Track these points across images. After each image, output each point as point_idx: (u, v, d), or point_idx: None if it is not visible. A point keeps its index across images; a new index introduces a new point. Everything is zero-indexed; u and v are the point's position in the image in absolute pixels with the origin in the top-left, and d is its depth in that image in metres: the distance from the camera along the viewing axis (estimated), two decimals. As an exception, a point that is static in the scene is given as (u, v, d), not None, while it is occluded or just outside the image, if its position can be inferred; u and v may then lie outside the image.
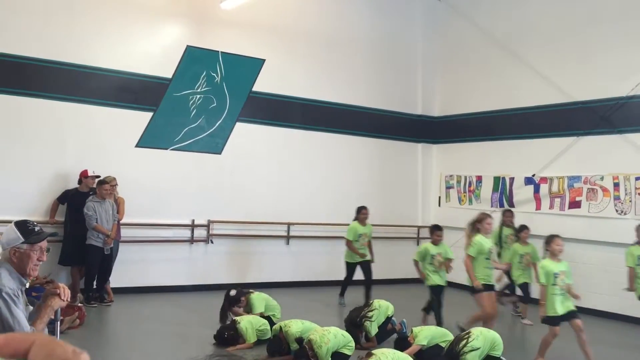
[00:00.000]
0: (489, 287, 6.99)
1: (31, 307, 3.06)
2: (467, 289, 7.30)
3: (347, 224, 11.56)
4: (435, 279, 8.03)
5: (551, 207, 10.42)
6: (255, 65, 10.75)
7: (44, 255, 3.07)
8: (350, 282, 9.72)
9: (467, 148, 12.15)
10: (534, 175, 10.72)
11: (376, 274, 11.79)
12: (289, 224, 11.00)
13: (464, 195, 12.20)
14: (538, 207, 10.64)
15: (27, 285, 3.11)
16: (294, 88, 11.15)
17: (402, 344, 6.59)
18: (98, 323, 7.55)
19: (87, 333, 6.81)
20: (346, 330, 6.35)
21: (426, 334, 6.47)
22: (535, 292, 7.94)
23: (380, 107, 12.15)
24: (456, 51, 12.50)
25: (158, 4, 9.90)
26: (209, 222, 10.25)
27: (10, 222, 3.16)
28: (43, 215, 8.72)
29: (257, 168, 10.73)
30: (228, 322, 6.89)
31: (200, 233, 10.26)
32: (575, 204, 9.96)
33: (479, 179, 11.87)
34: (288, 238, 11.07)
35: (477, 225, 7.09)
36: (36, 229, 3.07)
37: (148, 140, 9.80)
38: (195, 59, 10.16)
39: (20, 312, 2.84)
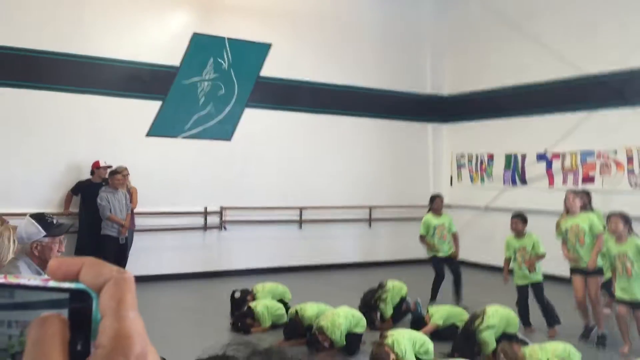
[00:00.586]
0: None
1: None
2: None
3: (361, 207, 11.63)
4: (435, 251, 8.10)
5: (564, 182, 10.34)
6: (262, 50, 10.72)
7: (62, 246, 3.11)
8: (439, 281, 8.26)
9: (478, 126, 12.07)
10: (545, 151, 10.64)
11: (389, 255, 11.89)
12: (301, 209, 11.03)
13: (476, 174, 12.14)
14: (551, 183, 10.57)
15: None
16: (302, 72, 11.10)
17: (418, 323, 6.62)
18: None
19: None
20: (361, 312, 6.37)
21: (442, 313, 6.50)
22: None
23: (390, 88, 12.08)
24: (465, 29, 12.36)
25: (163, -8, 9.87)
26: (222, 208, 10.30)
27: (24, 214, 3.19)
28: (57, 207, 8.81)
29: (267, 153, 10.73)
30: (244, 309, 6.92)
31: (213, 220, 10.32)
32: (588, 179, 9.88)
33: (491, 157, 11.79)
34: (300, 223, 11.10)
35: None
36: (55, 221, 3.10)
37: (158, 129, 9.83)
38: (202, 46, 10.14)
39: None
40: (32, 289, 0.41)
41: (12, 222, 3.48)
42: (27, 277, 0.42)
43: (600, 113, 9.78)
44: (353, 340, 5.96)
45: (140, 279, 9.11)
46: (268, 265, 10.37)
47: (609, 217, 6.29)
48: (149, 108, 9.76)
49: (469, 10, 12.21)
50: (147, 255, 9.39)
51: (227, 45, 10.38)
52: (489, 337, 5.71)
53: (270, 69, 10.78)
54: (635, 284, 5.93)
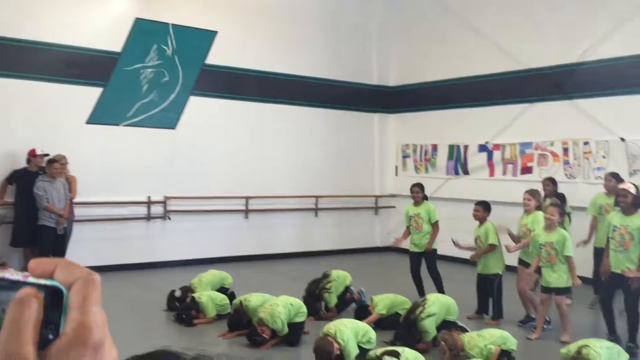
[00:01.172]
0: None
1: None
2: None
3: (307, 196, 11.66)
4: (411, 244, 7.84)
5: (504, 173, 10.66)
6: (207, 37, 10.54)
7: None
8: (413, 274, 7.79)
9: (423, 117, 12.26)
10: (487, 143, 10.92)
11: (334, 244, 11.98)
12: (247, 198, 10.96)
13: (420, 164, 12.35)
14: (491, 174, 10.87)
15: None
16: (249, 60, 10.99)
17: (362, 312, 6.70)
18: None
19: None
20: (305, 303, 6.41)
21: (386, 302, 6.60)
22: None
23: (337, 78, 12.10)
24: (412, 20, 12.50)
25: (103, -25, 9.56)
26: (166, 198, 10.12)
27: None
28: (-9, 197, 8.46)
29: (213, 142, 10.59)
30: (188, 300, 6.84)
31: (157, 210, 10.14)
32: (526, 170, 10.20)
33: (435, 147, 12.01)
34: (247, 212, 11.04)
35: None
36: None
37: (99, 116, 9.55)
38: (145, 32, 9.89)
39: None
40: (14, 282, 0.49)
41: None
42: (10, 272, 0.49)
43: (539, 106, 10.10)
44: (294, 329, 5.98)
45: (81, 271, 8.85)
46: (214, 255, 10.27)
47: (547, 207, 6.55)
48: (89, 95, 9.47)
49: (415, 3, 12.35)
50: (87, 246, 9.14)
51: (171, 32, 10.16)
52: (429, 325, 5.85)
53: (217, 56, 10.62)
54: (558, 272, 6.21)
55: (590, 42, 9.34)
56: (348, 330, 5.28)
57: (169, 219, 10.20)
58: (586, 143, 9.50)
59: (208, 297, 6.74)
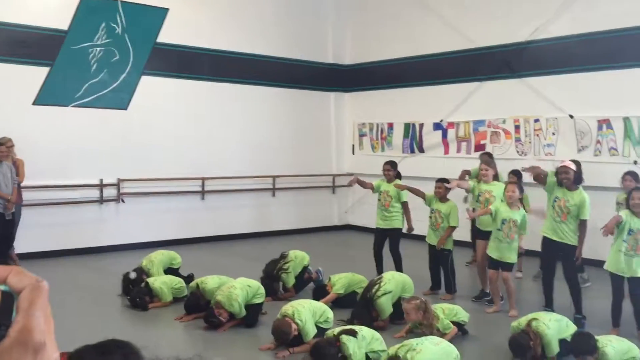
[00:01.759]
0: None
1: None
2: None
3: (264, 176, 11.60)
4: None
5: (458, 151, 10.82)
6: (158, 14, 10.26)
7: None
8: (376, 252, 7.80)
9: (379, 95, 12.31)
10: (441, 121, 11.05)
11: (292, 224, 12.00)
12: (203, 179, 10.83)
13: (377, 143, 12.42)
14: (446, 152, 11.02)
15: None
16: (202, 38, 10.77)
17: (319, 292, 6.75)
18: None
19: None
20: (263, 284, 6.41)
21: (343, 282, 6.66)
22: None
23: (292, 57, 12.00)
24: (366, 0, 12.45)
25: (47, -51, 9.16)
26: (119, 180, 9.92)
27: None
28: None
29: (167, 123, 10.39)
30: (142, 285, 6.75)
31: (110, 193, 9.93)
32: (480, 147, 10.37)
33: (391, 125, 12.09)
34: (203, 193, 10.92)
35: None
36: None
37: (46, 97, 9.23)
38: (92, 9, 9.55)
39: None
40: None
41: None
42: None
43: (491, 84, 10.26)
44: (252, 311, 5.98)
45: (33, 256, 8.65)
46: (170, 237, 10.15)
47: (507, 184, 6.69)
48: (36, 75, 9.13)
49: (369, -20, 12.29)
50: (37, 231, 8.90)
51: (120, 9, 9.84)
52: (385, 303, 5.94)
53: (168, 35, 10.36)
54: (509, 248, 6.40)
55: (540, 21, 9.50)
56: (306, 311, 5.32)
57: (123, 201, 10.00)
58: (537, 120, 9.71)
59: (163, 282, 6.66)
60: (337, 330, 4.89)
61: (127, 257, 8.96)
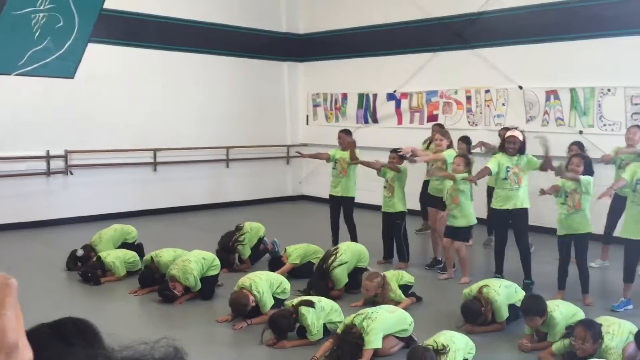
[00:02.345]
0: None
1: None
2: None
3: (217, 147, 11.46)
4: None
5: (411, 121, 10.93)
6: (104, -21, 9.86)
7: None
8: (332, 220, 7.95)
9: (333, 65, 12.24)
10: (395, 92, 11.11)
11: (247, 195, 11.95)
12: (155, 150, 10.62)
13: (331, 113, 12.41)
14: (400, 122, 11.11)
15: None
16: (150, 5, 10.41)
17: (275, 263, 6.77)
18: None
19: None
20: (218, 256, 6.38)
21: (299, 252, 6.70)
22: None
23: (245, 25, 11.77)
24: (319, -34, 12.28)
25: None
26: (67, 152, 9.62)
27: None
28: None
29: (116, 92, 10.09)
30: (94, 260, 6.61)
31: (57, 164, 9.62)
32: (433, 118, 10.50)
33: (345, 96, 12.08)
34: (155, 165, 10.72)
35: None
36: None
37: (-14, 65, 8.81)
38: (34, -28, 9.10)
39: None
40: None
41: None
42: None
43: (443, 55, 10.34)
44: (208, 283, 5.96)
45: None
46: (121, 210, 9.96)
47: (455, 158, 6.81)
48: (-26, 41, 8.68)
49: (323, -53, 12.11)
50: (-19, 206, 8.59)
51: (64, -27, 9.41)
52: (341, 273, 6.01)
53: (116, 0, 9.98)
54: (459, 214, 6.56)
55: (493, -8, 9.59)
56: (263, 282, 5.33)
57: (71, 173, 9.72)
58: (487, 91, 9.87)
59: (115, 256, 6.54)
60: (295, 301, 4.93)
61: (78, 230, 8.77)
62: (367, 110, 11.69)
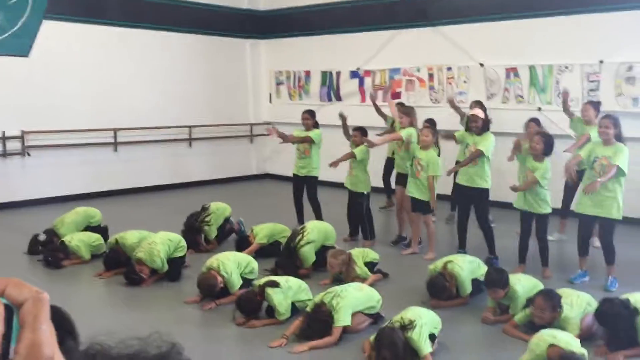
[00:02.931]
0: None
1: None
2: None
3: (180, 126, 11.31)
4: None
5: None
6: (58, -47, 9.52)
7: None
8: (296, 200, 7.98)
9: (295, 43, 12.15)
10: (358, 69, 11.12)
11: (210, 174, 11.86)
12: (115, 130, 10.41)
13: (294, 91, 12.35)
14: (363, 100, 11.14)
15: None
16: (107, -20, 10.14)
17: (242, 243, 6.77)
18: None
19: None
20: (184, 237, 6.35)
21: (266, 232, 6.71)
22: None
23: (205, 2, 11.54)
24: (280, -59, 12.10)
25: None
26: (23, 132, 9.35)
27: None
28: None
29: (74, 71, 9.81)
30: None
31: (13, 145, 9.36)
32: (396, 95, 10.55)
33: (308, 74, 12.03)
34: (115, 145, 10.52)
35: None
36: None
37: None
38: (-17, -55, 8.72)
39: None
40: None
41: None
42: None
43: (406, 32, 10.37)
44: (174, 264, 5.94)
45: None
46: (82, 191, 9.78)
47: (422, 129, 6.88)
48: None
49: None
50: None
51: (15, -54, 9.04)
52: (309, 252, 6.06)
53: (70, -25, 9.68)
54: (422, 187, 6.66)
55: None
56: (231, 263, 5.35)
57: (29, 155, 9.48)
58: (449, 69, 9.97)
59: (79, 240, 6.44)
60: (263, 280, 4.96)
61: (38, 213, 8.60)
62: (331, 88, 11.68)
